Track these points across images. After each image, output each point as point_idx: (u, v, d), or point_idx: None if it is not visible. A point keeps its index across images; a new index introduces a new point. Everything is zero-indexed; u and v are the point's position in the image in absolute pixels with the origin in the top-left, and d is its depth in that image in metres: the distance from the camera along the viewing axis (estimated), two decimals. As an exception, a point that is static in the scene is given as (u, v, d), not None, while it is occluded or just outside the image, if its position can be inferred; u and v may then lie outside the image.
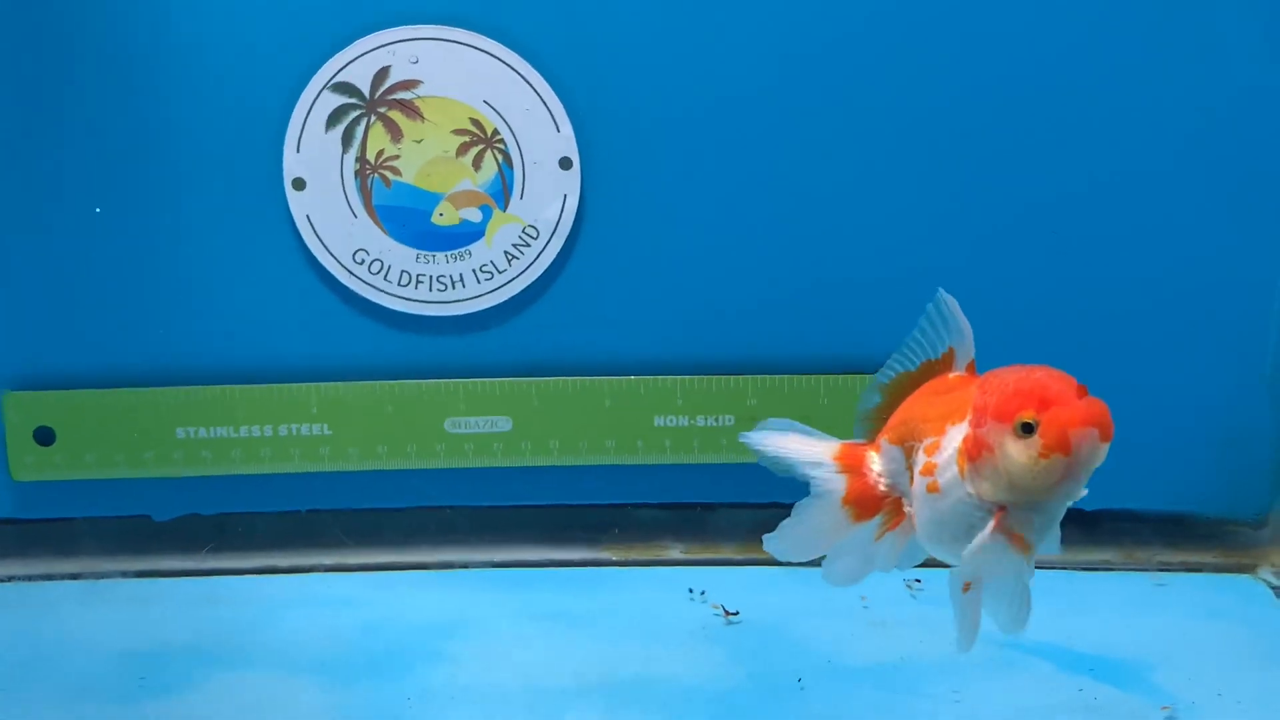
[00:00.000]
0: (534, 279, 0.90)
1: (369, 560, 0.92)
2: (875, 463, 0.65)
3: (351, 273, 0.90)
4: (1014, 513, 0.61)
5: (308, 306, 0.90)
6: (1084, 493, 0.61)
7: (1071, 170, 0.89)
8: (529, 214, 0.89)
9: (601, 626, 0.84)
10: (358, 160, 0.88)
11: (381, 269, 0.90)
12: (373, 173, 0.88)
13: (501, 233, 0.90)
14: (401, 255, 0.90)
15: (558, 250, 0.90)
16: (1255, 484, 0.94)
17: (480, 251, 0.90)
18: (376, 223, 0.89)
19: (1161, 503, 0.94)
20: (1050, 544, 0.64)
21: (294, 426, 0.91)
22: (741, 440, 0.72)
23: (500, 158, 0.89)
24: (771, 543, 0.68)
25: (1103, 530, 0.94)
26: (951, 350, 0.66)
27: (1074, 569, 0.92)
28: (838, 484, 0.66)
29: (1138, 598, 0.88)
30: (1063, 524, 0.93)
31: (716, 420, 0.92)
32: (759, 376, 0.92)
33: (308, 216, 0.89)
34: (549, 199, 0.89)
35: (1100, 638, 0.82)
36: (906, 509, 0.66)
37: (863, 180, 0.89)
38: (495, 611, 0.85)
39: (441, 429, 0.92)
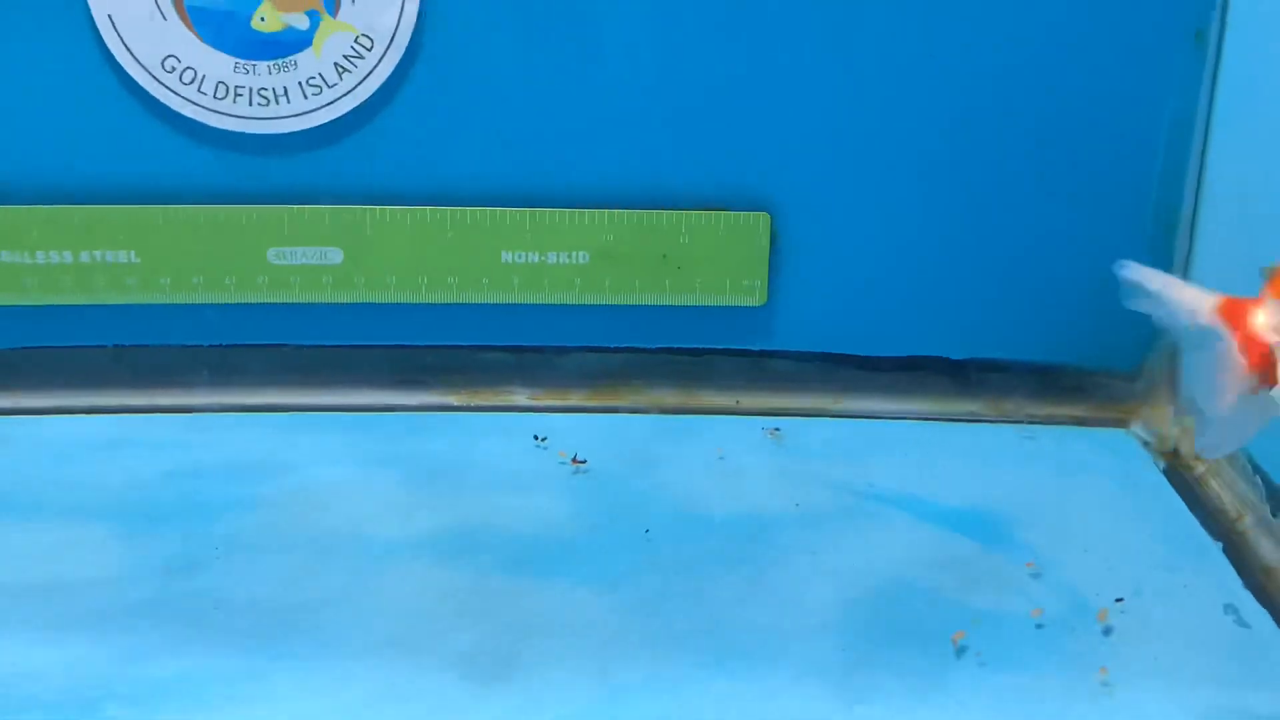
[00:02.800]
0: (368, 95, 0.81)
1: (182, 401, 0.84)
2: (1262, 318, 0.57)
3: (160, 81, 0.80)
4: None
5: (111, 119, 0.80)
6: None
7: (973, 10, 0.82)
8: (362, 21, 0.80)
9: (438, 474, 0.77)
10: (167, -48, 0.78)
11: (194, 78, 0.80)
12: (185, -33, 0.78)
13: (331, 41, 0.80)
14: (217, 63, 0.80)
15: (395, 63, 0.81)
16: (1130, 336, 0.90)
17: (307, 62, 0.81)
18: (188, 25, 0.79)
19: (1033, 353, 0.90)
20: None
21: (98, 253, 0.82)
22: (1118, 269, 0.63)
23: (330, -44, 0.79)
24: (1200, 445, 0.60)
25: (970, 380, 0.90)
26: None
27: (940, 419, 0.88)
28: (1226, 336, 0.58)
29: (1004, 451, 0.84)
30: (927, 373, 0.91)
31: (569, 257, 0.85)
32: (616, 211, 0.85)
33: (109, 16, 0.79)
34: (385, 4, 0.80)
35: (964, 491, 0.78)
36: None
37: (730, 12, 0.81)
38: (320, 456, 0.78)
39: (264, 259, 0.83)
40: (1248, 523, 0.76)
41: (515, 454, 0.80)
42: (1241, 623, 0.67)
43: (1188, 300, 0.60)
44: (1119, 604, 0.68)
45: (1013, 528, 0.74)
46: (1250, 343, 0.57)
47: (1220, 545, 0.74)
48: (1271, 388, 0.56)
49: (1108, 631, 0.65)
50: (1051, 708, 0.60)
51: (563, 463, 0.79)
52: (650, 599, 0.66)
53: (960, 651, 0.63)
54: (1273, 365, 0.56)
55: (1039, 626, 0.66)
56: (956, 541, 0.73)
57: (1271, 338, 0.56)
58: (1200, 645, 0.65)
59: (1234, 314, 0.58)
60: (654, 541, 0.71)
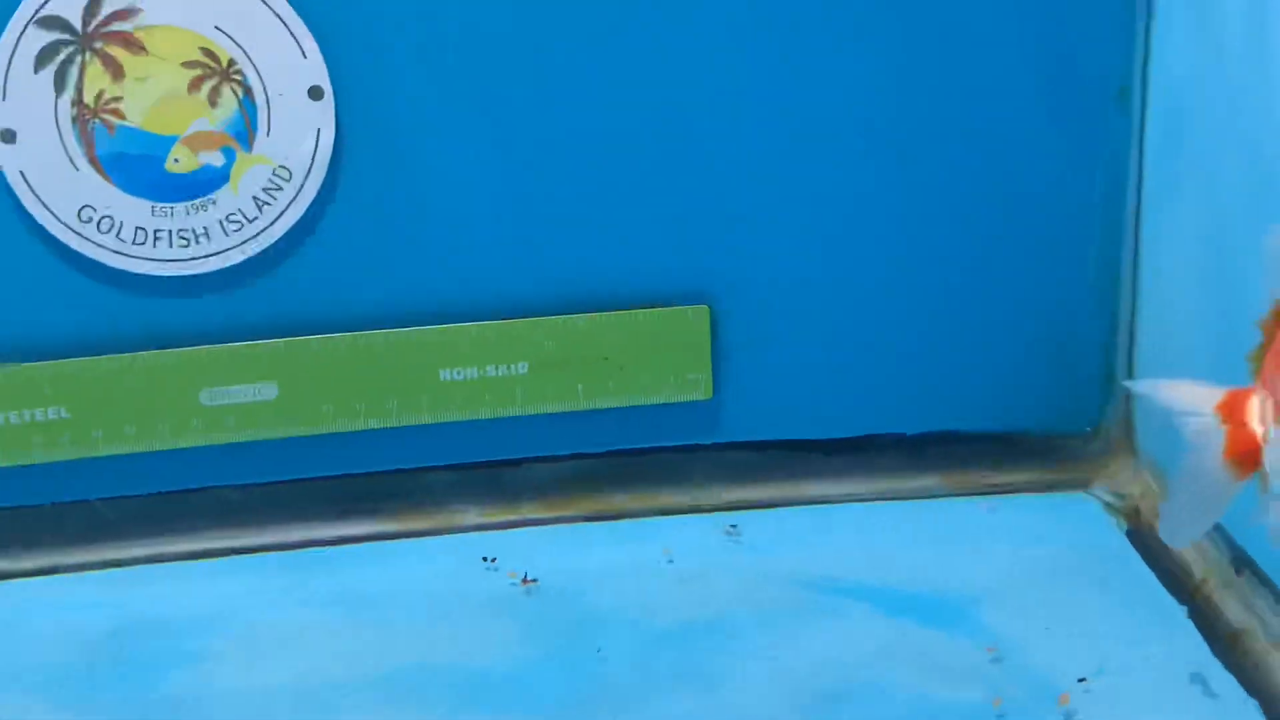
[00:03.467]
0: (290, 225, 0.81)
1: (119, 555, 0.82)
2: (1256, 409, 0.54)
3: (77, 233, 0.79)
4: None
5: (31, 274, 0.80)
6: None
7: (898, 82, 0.82)
8: (278, 153, 0.80)
9: (384, 608, 0.75)
10: (74, 104, 0.78)
11: (112, 226, 0.79)
12: (93, 117, 0.78)
13: (249, 176, 0.80)
14: (134, 209, 0.79)
15: (315, 192, 0.80)
16: (1084, 395, 0.89)
17: (226, 199, 0.80)
18: (102, 174, 0.79)
19: (988, 422, 0.89)
20: None
21: (27, 412, 0.81)
22: (1126, 386, 0.61)
23: (240, 91, 0.79)
24: (1165, 532, 0.59)
25: (927, 455, 0.88)
26: None
27: (899, 499, 0.86)
28: (1216, 436, 0.55)
29: (964, 526, 0.83)
30: (883, 452, 0.90)
31: (509, 369, 0.84)
32: (553, 317, 0.84)
33: (21, 172, 0.78)
34: (300, 135, 0.79)
35: (925, 574, 0.77)
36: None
37: (651, 104, 0.81)
38: (263, 601, 0.76)
39: (197, 402, 0.82)
40: (1213, 585, 0.74)
41: (464, 578, 0.78)
42: (1209, 693, 0.66)
43: (1189, 399, 0.57)
44: (1082, 684, 0.66)
45: (973, 609, 0.73)
46: (1239, 431, 0.55)
47: (1185, 609, 0.73)
48: (1253, 473, 0.54)
49: (1069, 716, 0.64)
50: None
51: (513, 584, 0.78)
52: (604, 726, 0.64)
53: (921, 755, 0.62)
54: (1258, 452, 0.54)
55: (1000, 717, 0.64)
56: (916, 631, 0.71)
57: (1258, 427, 0.54)
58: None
59: (1233, 406, 0.56)
60: (607, 661, 0.69)
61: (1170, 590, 0.74)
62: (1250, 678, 0.67)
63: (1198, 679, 0.67)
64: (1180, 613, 0.72)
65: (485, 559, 0.80)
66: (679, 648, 0.70)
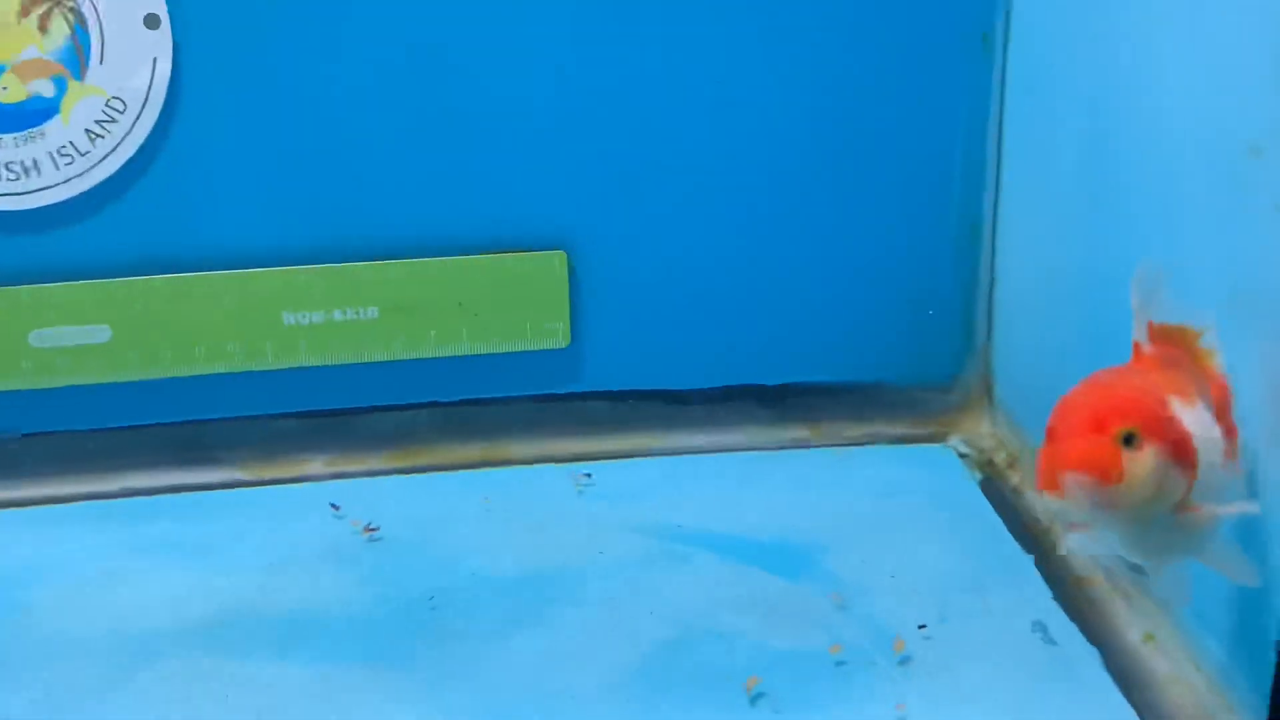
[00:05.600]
0: (125, 160, 0.77)
1: (-61, 502, 0.78)
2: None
3: (-106, 162, 0.75)
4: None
5: None
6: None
7: (757, 26, 0.80)
8: (112, 84, 0.76)
9: (217, 556, 0.73)
10: (-109, 27, 0.73)
11: (-67, 157, 0.75)
12: (-88, 41, 0.74)
13: (81, 107, 0.76)
14: (-43, 139, 0.75)
15: (151, 125, 0.77)
16: (944, 348, 0.88)
17: (56, 131, 0.76)
18: (-79, 102, 0.75)
19: (848, 373, 0.88)
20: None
21: None
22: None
23: (71, 18, 0.75)
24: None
25: (790, 406, 0.87)
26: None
27: (758, 449, 0.85)
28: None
29: (821, 476, 0.81)
30: (743, 403, 0.88)
31: (357, 313, 0.81)
32: (403, 261, 0.81)
33: None
34: (135, 64, 0.76)
35: (776, 523, 0.75)
36: None
37: (508, 38, 0.79)
38: (91, 550, 0.73)
39: (25, 343, 0.78)
40: (1059, 532, 0.74)
41: (305, 527, 0.76)
42: (1049, 640, 0.65)
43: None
44: (922, 630, 0.65)
45: (821, 557, 0.72)
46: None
47: (1032, 558, 0.72)
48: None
49: (904, 662, 0.63)
50: (846, 752, 0.57)
51: (354, 533, 0.75)
52: (430, 674, 0.62)
53: (755, 699, 0.60)
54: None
55: (839, 664, 0.63)
56: (762, 579, 0.70)
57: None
58: (1004, 668, 0.63)
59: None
60: (439, 610, 0.67)
61: (1019, 540, 0.74)
62: (1093, 627, 0.66)
63: (1039, 626, 0.66)
64: (1028, 561, 0.72)
65: (333, 505, 0.78)
66: (517, 595, 0.68)
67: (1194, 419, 0.51)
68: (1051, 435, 0.49)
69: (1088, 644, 0.65)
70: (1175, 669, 0.62)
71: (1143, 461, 0.48)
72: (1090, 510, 0.49)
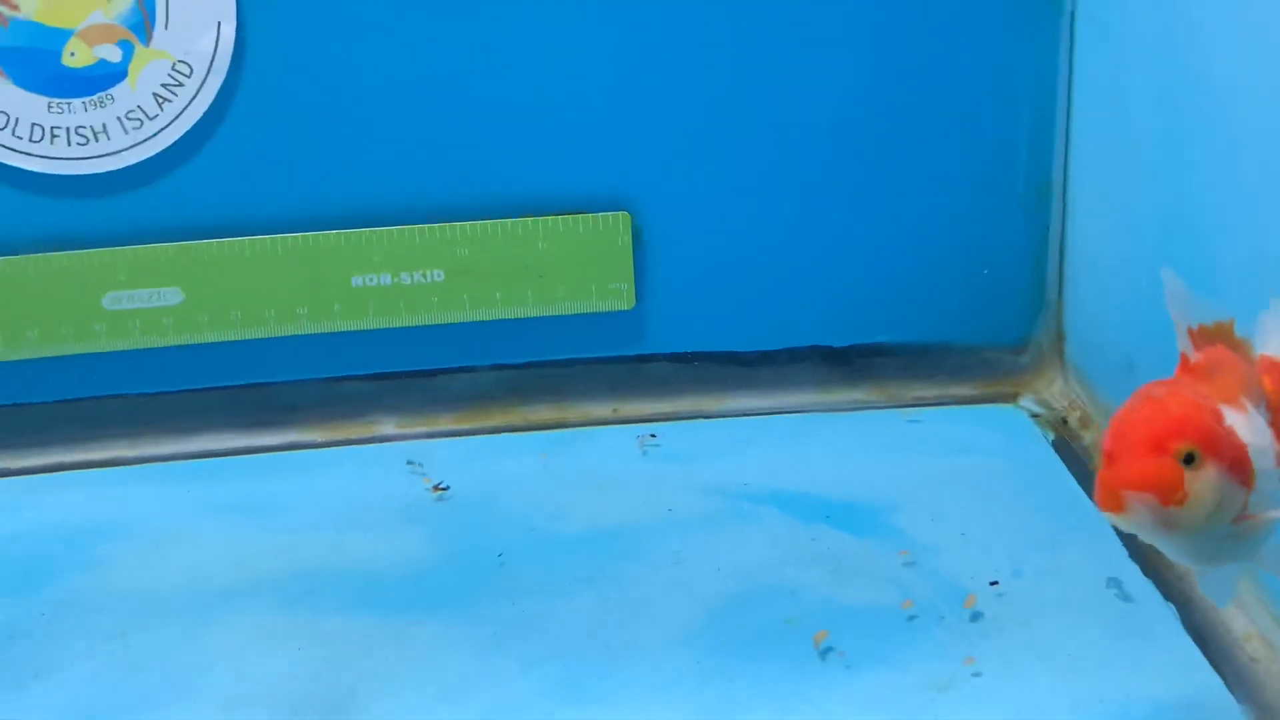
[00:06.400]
0: (192, 124, 0.78)
1: (22, 464, 0.79)
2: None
3: (-30, 128, 0.76)
4: None
5: (-76, 174, 0.77)
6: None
7: (810, 8, 0.79)
8: (178, 47, 0.77)
9: (288, 515, 0.73)
10: (-36, -5, 0.74)
11: (7, 123, 0.76)
12: (-15, 8, 0.75)
13: (147, 71, 0.77)
14: (30, 105, 0.76)
15: (217, 88, 0.77)
16: (1014, 307, 0.87)
17: (124, 96, 0.77)
18: (-5, 67, 0.76)
19: (917, 334, 0.87)
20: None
21: (-77, 314, 0.78)
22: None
23: (138, -17, 0.76)
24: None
25: (854, 367, 0.86)
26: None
27: (824, 411, 0.84)
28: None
29: (888, 436, 0.81)
30: (809, 364, 0.88)
31: (424, 276, 0.82)
32: (469, 223, 0.81)
33: (-90, 64, 0.75)
34: (200, 28, 0.76)
35: (843, 482, 0.75)
36: None
37: (576, 1, 0.78)
38: (166, 510, 0.74)
39: (99, 306, 0.79)
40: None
41: (374, 487, 0.76)
42: (1124, 596, 0.64)
43: None
44: (994, 587, 0.64)
45: (890, 515, 0.71)
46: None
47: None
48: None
49: (975, 618, 0.62)
50: (914, 703, 0.56)
51: (424, 491, 0.75)
52: (496, 627, 0.62)
53: (824, 653, 0.60)
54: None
55: (910, 619, 0.62)
56: (829, 535, 0.69)
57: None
58: (1078, 624, 0.62)
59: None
60: (507, 566, 0.67)
61: (1093, 499, 0.73)
62: (1170, 585, 0.65)
63: (1114, 583, 0.65)
64: (1102, 520, 0.70)
65: (410, 462, 0.78)
66: (582, 552, 0.68)
67: (1247, 426, 0.50)
68: (1109, 456, 0.48)
69: (1164, 601, 0.64)
70: (1253, 625, 0.61)
71: (1204, 481, 0.47)
72: (1150, 529, 0.48)
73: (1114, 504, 0.47)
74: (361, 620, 0.63)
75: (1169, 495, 0.47)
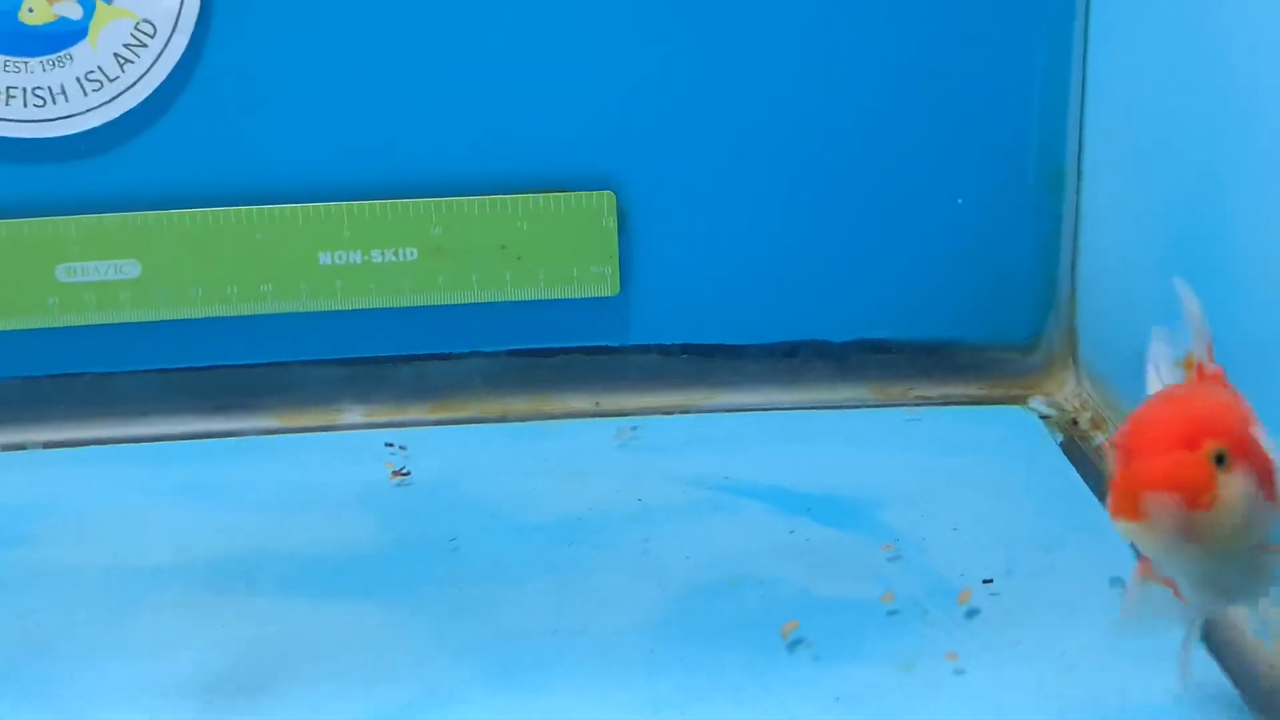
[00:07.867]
0: (155, 87, 0.74)
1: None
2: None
3: (-80, 86, 0.73)
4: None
5: None
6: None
7: None
8: (142, 6, 0.73)
9: (234, 497, 0.69)
10: (-82, -53, 0.71)
11: (-41, 81, 0.73)
12: (-61, -38, 0.72)
13: (108, 30, 0.73)
14: (-16, 63, 0.73)
15: (181, 50, 0.74)
16: (1024, 306, 0.81)
17: (84, 55, 0.74)
18: (-52, 24, 0.72)
19: (920, 331, 0.82)
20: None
21: None
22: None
23: (101, -61, 0.72)
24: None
25: (852, 365, 0.81)
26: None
27: (819, 408, 0.79)
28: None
29: (885, 435, 0.76)
30: (805, 360, 0.83)
31: (396, 255, 0.77)
32: (444, 199, 0.77)
33: None
34: (165, -13, 0.73)
35: (831, 478, 0.70)
36: None
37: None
38: (103, 490, 0.70)
39: (52, 278, 0.76)
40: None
41: (332, 473, 0.72)
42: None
43: None
44: (987, 585, 0.59)
45: (876, 510, 0.66)
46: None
47: (1115, 516, 0.65)
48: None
49: (970, 614, 0.56)
50: (887, 698, 0.51)
51: (383, 477, 0.71)
52: (439, 612, 0.58)
53: (792, 645, 0.55)
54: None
55: (891, 613, 0.57)
56: (810, 529, 0.64)
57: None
58: (1076, 624, 0.56)
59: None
60: (461, 552, 0.63)
61: (1101, 499, 0.67)
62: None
63: (1119, 583, 0.59)
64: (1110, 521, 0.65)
65: (389, 444, 0.74)
66: (542, 540, 0.63)
67: (1268, 442, 0.44)
68: (1129, 454, 0.42)
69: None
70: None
71: (1236, 485, 0.41)
72: (1170, 541, 0.42)
73: (1130, 508, 0.41)
74: (295, 602, 0.59)
75: (1198, 496, 0.41)
